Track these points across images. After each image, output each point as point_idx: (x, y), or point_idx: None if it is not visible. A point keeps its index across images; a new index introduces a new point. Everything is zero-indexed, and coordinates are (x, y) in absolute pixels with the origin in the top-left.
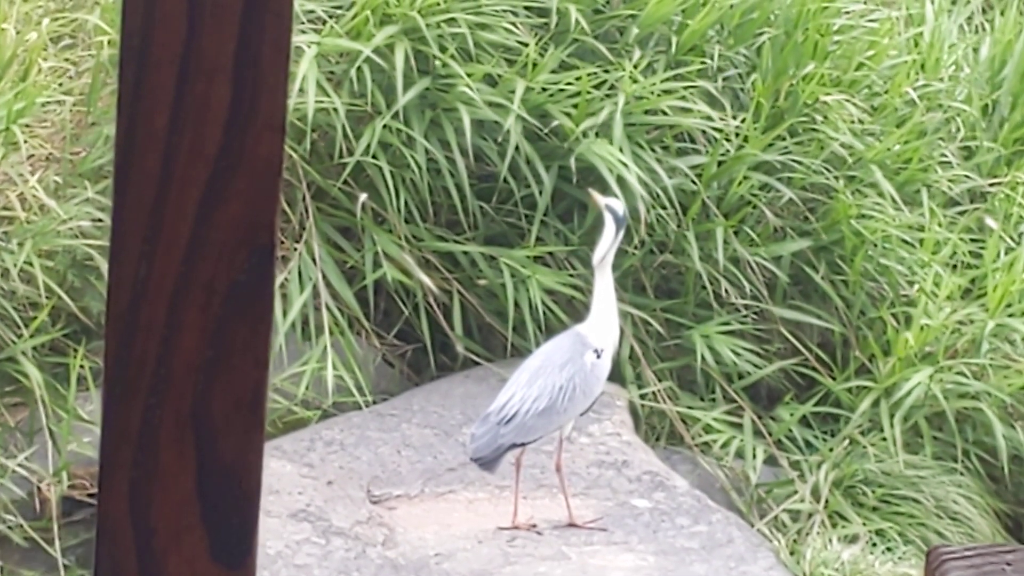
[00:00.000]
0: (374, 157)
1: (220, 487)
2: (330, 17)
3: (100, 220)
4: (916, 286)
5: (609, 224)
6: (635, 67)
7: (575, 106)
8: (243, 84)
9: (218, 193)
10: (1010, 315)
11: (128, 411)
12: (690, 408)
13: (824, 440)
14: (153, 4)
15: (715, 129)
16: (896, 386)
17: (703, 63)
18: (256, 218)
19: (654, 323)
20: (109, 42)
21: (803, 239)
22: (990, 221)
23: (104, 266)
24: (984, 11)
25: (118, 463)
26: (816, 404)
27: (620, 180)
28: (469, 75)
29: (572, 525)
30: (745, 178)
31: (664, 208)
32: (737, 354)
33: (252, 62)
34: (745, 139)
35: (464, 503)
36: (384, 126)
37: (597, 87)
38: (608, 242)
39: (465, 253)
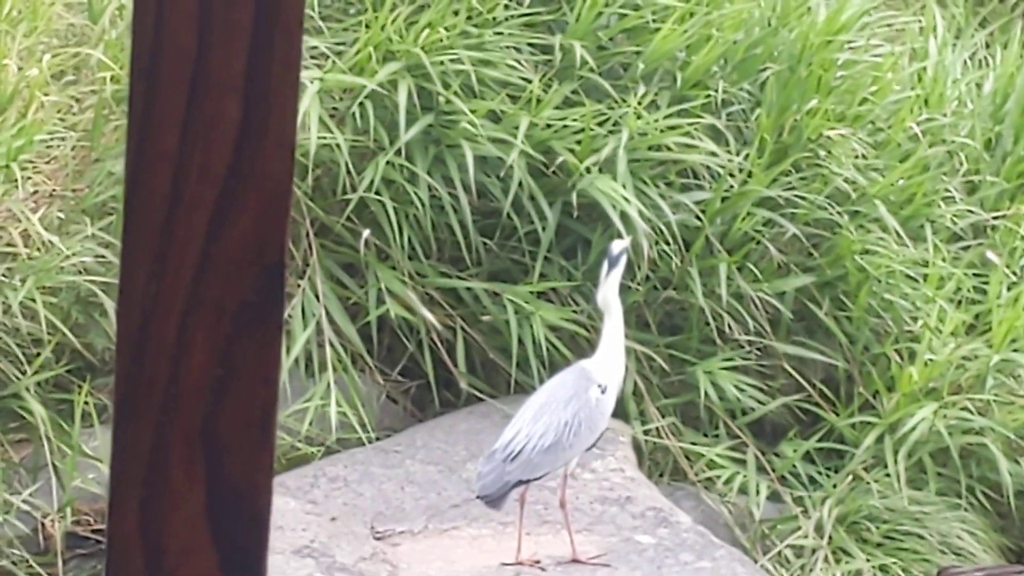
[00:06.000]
0: (377, 193)
1: (229, 507)
2: (333, 53)
3: (103, 256)
4: (920, 322)
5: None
6: (639, 103)
7: (579, 142)
8: (253, 102)
9: (227, 211)
10: (1015, 350)
11: (138, 430)
12: (693, 444)
13: (828, 476)
14: (162, 23)
15: (719, 165)
16: (900, 422)
17: (707, 98)
18: (265, 236)
19: (657, 359)
20: (112, 78)
21: (807, 275)
22: (993, 256)
23: (108, 302)
24: (987, 46)
25: (128, 482)
26: (820, 440)
27: (624, 216)
28: (472, 111)
29: (576, 561)
30: (749, 214)
31: (668, 244)
32: (741, 390)
33: (262, 80)
34: (749, 175)
35: (468, 539)
36: (387, 162)
37: (601, 123)
38: (602, 281)
39: (468, 289)
